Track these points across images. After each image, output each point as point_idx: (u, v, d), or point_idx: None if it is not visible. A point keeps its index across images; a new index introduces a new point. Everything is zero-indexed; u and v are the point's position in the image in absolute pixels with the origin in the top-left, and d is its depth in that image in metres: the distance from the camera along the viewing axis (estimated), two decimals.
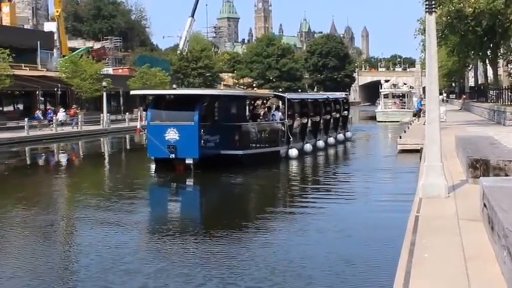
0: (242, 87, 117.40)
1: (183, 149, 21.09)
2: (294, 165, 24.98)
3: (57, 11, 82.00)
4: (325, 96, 35.74)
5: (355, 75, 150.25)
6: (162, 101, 23.42)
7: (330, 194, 18.08)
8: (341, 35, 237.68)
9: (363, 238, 11.91)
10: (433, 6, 10.27)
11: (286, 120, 26.09)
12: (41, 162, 31.99)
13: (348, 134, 36.88)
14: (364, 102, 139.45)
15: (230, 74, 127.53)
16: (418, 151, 21.49)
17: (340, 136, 34.92)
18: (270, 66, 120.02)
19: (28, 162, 31.72)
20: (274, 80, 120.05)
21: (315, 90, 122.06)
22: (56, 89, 54.47)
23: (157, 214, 15.98)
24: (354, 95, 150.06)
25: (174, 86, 70.83)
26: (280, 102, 28.61)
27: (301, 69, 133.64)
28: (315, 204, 16.04)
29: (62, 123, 46.20)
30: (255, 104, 30.55)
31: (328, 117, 33.01)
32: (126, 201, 16.99)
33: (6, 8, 79.65)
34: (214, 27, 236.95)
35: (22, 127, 41.12)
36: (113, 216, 14.58)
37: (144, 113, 44.37)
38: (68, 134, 43.69)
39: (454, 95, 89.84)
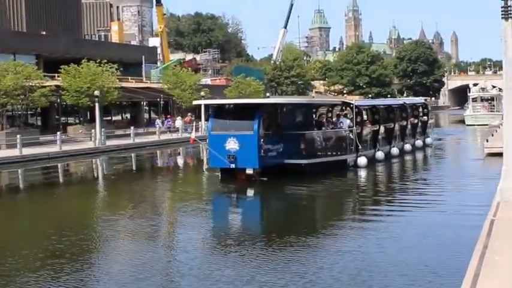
0: (333, 93, 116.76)
1: (243, 158, 20.08)
2: (362, 174, 23.13)
3: (161, 27, 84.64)
4: (400, 102, 33.49)
5: (444, 79, 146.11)
6: (223, 111, 22.63)
7: (404, 200, 17.15)
8: (430, 41, 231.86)
9: (440, 243, 11.55)
10: (509, 12, 9.99)
11: (354, 127, 24.20)
12: (144, 166, 33.17)
13: (428, 140, 34.10)
14: (454, 106, 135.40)
15: (321, 82, 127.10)
16: None
17: (419, 142, 32.26)
18: (360, 73, 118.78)
19: (133, 167, 32.85)
20: (364, 86, 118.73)
21: (405, 95, 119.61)
22: (158, 99, 56.14)
23: (231, 222, 15.75)
24: (444, 99, 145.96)
25: (268, 94, 71.37)
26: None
27: (391, 75, 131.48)
28: (387, 212, 15.41)
29: (175, 130, 47.92)
30: (322, 112, 28.63)
31: (405, 123, 30.60)
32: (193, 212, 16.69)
33: (115, 27, 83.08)
34: (307, 37, 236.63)
35: (128, 135, 42.72)
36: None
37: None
38: (169, 140, 44.87)
39: None
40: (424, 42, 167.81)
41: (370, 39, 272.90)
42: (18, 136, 33.23)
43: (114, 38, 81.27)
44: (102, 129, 38.94)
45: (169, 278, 10.02)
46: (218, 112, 22.66)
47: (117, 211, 17.23)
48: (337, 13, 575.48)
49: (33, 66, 41.32)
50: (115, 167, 32.64)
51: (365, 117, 27.38)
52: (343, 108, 28.45)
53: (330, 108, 30.21)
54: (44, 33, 59.59)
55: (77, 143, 40.00)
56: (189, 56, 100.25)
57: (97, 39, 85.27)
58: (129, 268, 10.62)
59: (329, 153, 23.54)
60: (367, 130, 26.04)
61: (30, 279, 10.01)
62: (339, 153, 23.67)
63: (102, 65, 44.64)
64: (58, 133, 36.65)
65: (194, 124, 45.09)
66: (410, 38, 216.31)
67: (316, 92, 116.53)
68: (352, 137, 23.97)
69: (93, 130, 39.60)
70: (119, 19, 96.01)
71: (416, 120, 32.72)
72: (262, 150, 20.24)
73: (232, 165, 20.19)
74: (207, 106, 39.18)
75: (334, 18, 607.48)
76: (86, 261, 11.22)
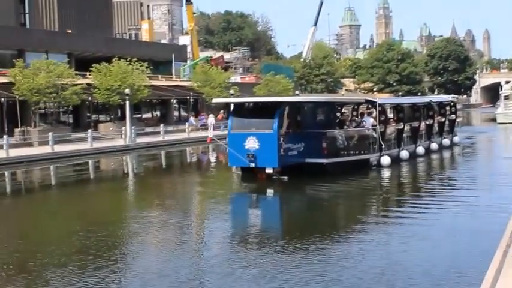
0: (363, 91, 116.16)
1: (263, 157, 19.70)
2: (385, 173, 22.57)
3: (191, 26, 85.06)
4: (426, 100, 32.60)
5: (476, 77, 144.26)
6: (243, 109, 22.14)
7: (428, 200, 16.78)
8: (462, 38, 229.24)
9: (466, 243, 11.43)
10: None
11: (378, 126, 23.66)
12: (173, 164, 33.43)
13: (456, 139, 33.41)
14: (486, 104, 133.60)
15: (351, 79, 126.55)
16: None
17: (446, 141, 31.61)
18: (390, 70, 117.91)
19: (162, 164, 33.10)
20: (394, 84, 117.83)
21: (435, 93, 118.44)
22: (188, 97, 56.44)
23: (253, 221, 15.71)
24: (476, 97, 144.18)
25: (297, 92, 71.25)
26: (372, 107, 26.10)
27: (421, 72, 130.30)
28: (411, 212, 15.05)
29: (205, 128, 48.04)
30: (344, 111, 28.29)
31: (431, 121, 29.87)
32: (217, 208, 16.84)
33: (145, 25, 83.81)
34: (337, 35, 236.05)
35: (158, 132, 43.07)
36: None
37: (214, 122, 44.86)
38: (198, 138, 45.05)
39: None
40: (456, 39, 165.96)
41: (401, 36, 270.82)
42: (50, 133, 33.71)
43: (145, 37, 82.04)
44: (133, 127, 39.28)
45: (191, 275, 10.04)
46: (238, 110, 22.28)
47: (143, 208, 17.41)
48: (368, 10, 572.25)
49: (65, 64, 41.86)
50: (144, 164, 32.95)
51: (391, 115, 26.97)
52: (369, 106, 27.80)
53: (355, 107, 29.76)
54: (70, 32, 60.31)
55: (108, 141, 40.43)
56: (219, 54, 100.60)
57: (128, 38, 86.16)
58: (153, 265, 10.72)
59: (351, 152, 23.00)
60: (391, 129, 25.55)
61: (55, 274, 10.16)
62: (361, 152, 23.17)
63: (132, 63, 45.04)
64: (89, 130, 37.10)
65: (212, 123, 44.95)
66: (442, 35, 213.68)
67: (346, 90, 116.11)
68: (375, 135, 23.48)
69: (123, 128, 39.99)
70: (149, 18, 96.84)
71: (443, 119, 32.02)
72: (282, 149, 19.89)
73: (252, 165, 19.88)
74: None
75: (364, 15, 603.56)
76: (111, 257, 11.29)
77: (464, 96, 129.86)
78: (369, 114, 26.02)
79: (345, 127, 23.96)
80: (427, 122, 29.48)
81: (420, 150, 27.30)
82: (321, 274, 9.65)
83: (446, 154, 29.91)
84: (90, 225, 14.53)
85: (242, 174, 21.12)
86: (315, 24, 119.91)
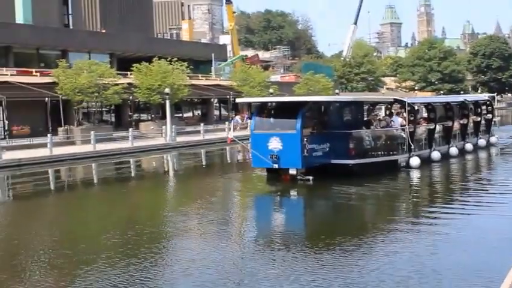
0: (404, 90, 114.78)
1: (286, 158, 19.18)
2: (413, 174, 21.75)
3: (231, 25, 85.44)
4: (460, 99, 31.20)
5: None
6: (266, 109, 21.32)
7: (458, 202, 16.22)
8: (506, 35, 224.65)
9: (496, 247, 11.04)
10: None
11: (407, 126, 22.85)
12: (211, 163, 33.54)
13: (493, 139, 32.12)
14: None
15: (392, 78, 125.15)
16: None
17: (482, 142, 30.52)
18: (431, 69, 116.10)
19: (201, 163, 33.20)
20: (436, 82, 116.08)
21: (479, 91, 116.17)
22: (228, 96, 56.65)
23: (277, 222, 15.44)
24: None
25: (337, 91, 70.76)
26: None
27: (464, 71, 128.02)
28: (439, 214, 14.42)
29: (244, 127, 48.11)
30: (372, 110, 27.53)
31: (466, 121, 28.83)
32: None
33: (185, 25, 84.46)
34: (377, 33, 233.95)
35: (199, 131, 43.32)
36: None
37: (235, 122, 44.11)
38: (238, 137, 44.88)
39: None
40: (499, 37, 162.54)
41: (443, 34, 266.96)
42: (92, 132, 34.24)
43: (185, 36, 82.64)
44: (173, 126, 39.60)
45: (215, 275, 9.92)
46: (261, 110, 21.41)
47: (178, 207, 17.59)
48: (409, 8, 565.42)
49: (107, 64, 42.44)
50: (184, 162, 33.15)
51: (424, 114, 26.30)
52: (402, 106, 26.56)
53: (389, 106, 28.85)
54: (104, 31, 61.12)
55: (149, 139, 40.87)
56: (259, 54, 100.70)
57: (169, 37, 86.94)
58: (177, 264, 10.81)
59: (379, 153, 22.24)
60: (422, 129, 24.80)
61: (84, 271, 10.29)
62: (389, 153, 22.45)
63: (172, 63, 45.39)
64: (130, 129, 37.54)
65: (232, 123, 44.82)
66: (485, 33, 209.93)
67: (387, 89, 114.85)
68: (404, 136, 22.74)
69: (163, 126, 40.34)
70: (190, 17, 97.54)
71: (479, 118, 30.95)
72: (305, 150, 19.24)
73: (275, 166, 19.44)
74: None
75: (406, 13, 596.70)
76: (141, 255, 11.30)
77: (509, 94, 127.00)
78: (398, 113, 25.46)
79: (372, 127, 23.09)
80: (461, 122, 28.54)
81: (453, 151, 26.39)
82: (347, 276, 9.50)
83: (482, 155, 28.90)
84: (121, 223, 14.91)
85: (268, 175, 20.70)
86: (355, 23, 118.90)
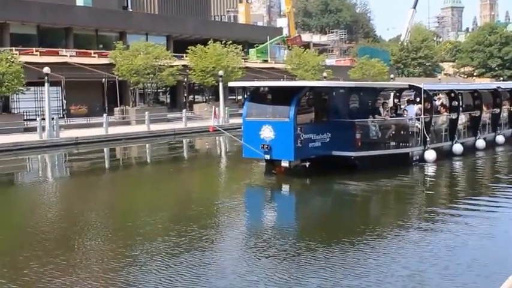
0: (462, 76, 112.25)
1: (278, 149, 17.34)
2: (426, 170, 19.31)
3: (288, 8, 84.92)
4: (493, 86, 28.25)
5: None
6: (260, 95, 19.25)
7: (474, 201, 14.21)
8: None
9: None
10: None
11: (422, 115, 20.32)
12: None
13: None
14: None
15: (451, 63, 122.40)
16: None
17: None
18: (491, 54, 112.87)
19: None
20: (496, 68, 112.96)
21: None
22: (282, 79, 56.60)
23: (282, 220, 13.67)
24: None
25: (392, 76, 69.74)
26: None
27: None
28: (453, 213, 12.91)
29: None
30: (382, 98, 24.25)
31: (498, 111, 25.92)
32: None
33: (241, 8, 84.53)
34: (437, 17, 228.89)
35: None
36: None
37: (217, 108, 42.33)
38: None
39: None
40: None
41: (507, 19, 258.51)
42: (146, 113, 34.92)
43: (242, 19, 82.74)
44: (226, 108, 39.89)
45: (218, 276, 9.13)
46: (254, 96, 19.34)
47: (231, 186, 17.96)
48: None
49: (163, 46, 43.00)
50: (235, 144, 33.38)
51: (445, 102, 23.90)
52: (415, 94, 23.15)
53: (397, 93, 25.51)
54: (155, 13, 61.46)
55: (202, 121, 41.32)
56: (315, 37, 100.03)
57: (226, 20, 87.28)
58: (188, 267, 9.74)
59: (387, 144, 20.14)
60: (443, 119, 22.31)
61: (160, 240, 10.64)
62: (400, 145, 20.12)
63: (227, 45, 45.62)
64: (184, 110, 38.08)
65: (215, 109, 44.24)
66: None
67: (444, 74, 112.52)
68: (419, 126, 20.36)
69: (216, 108, 40.66)
70: (247, 0, 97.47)
71: None
72: (299, 140, 17.35)
73: (267, 156, 17.59)
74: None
75: None
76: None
77: None
78: (413, 102, 22.77)
79: (377, 116, 20.44)
80: (492, 111, 25.78)
81: (480, 143, 23.80)
82: (358, 276, 9.36)
83: None
84: (158, 204, 15.12)
85: (266, 166, 18.67)
86: (414, 7, 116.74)
